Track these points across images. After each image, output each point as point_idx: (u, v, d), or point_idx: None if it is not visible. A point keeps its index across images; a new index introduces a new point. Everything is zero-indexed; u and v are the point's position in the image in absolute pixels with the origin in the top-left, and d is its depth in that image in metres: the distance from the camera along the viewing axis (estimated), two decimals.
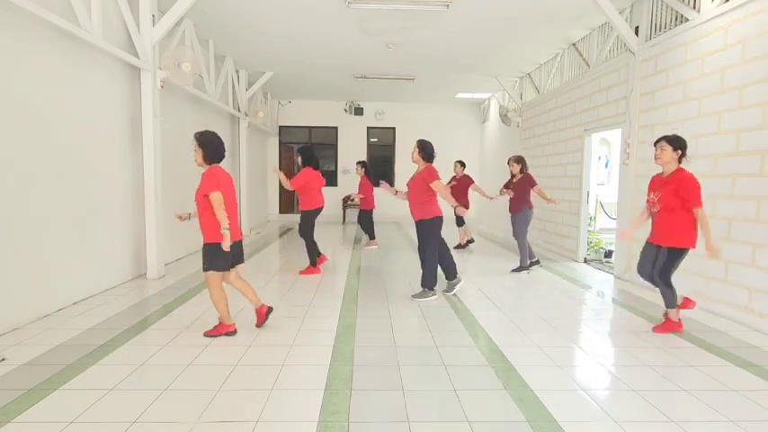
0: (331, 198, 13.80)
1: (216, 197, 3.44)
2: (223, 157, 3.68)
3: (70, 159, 4.49)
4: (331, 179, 13.99)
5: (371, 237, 8.58)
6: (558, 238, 8.28)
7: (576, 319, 4.44)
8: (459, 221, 8.44)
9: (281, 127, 13.66)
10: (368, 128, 13.95)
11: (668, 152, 3.77)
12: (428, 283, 4.99)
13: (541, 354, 3.50)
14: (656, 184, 3.93)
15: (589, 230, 7.86)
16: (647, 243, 4.05)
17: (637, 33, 5.93)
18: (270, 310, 3.96)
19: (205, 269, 3.60)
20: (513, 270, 6.48)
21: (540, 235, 9.04)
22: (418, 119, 13.84)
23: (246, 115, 9.97)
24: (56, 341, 3.54)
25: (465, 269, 6.70)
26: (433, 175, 4.79)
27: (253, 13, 6.47)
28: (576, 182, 7.63)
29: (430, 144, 4.94)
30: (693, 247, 3.78)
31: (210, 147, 3.58)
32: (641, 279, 4.19)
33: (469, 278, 6.11)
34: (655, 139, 3.95)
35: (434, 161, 4.97)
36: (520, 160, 6.52)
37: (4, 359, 3.17)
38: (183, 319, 4.16)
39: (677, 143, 3.77)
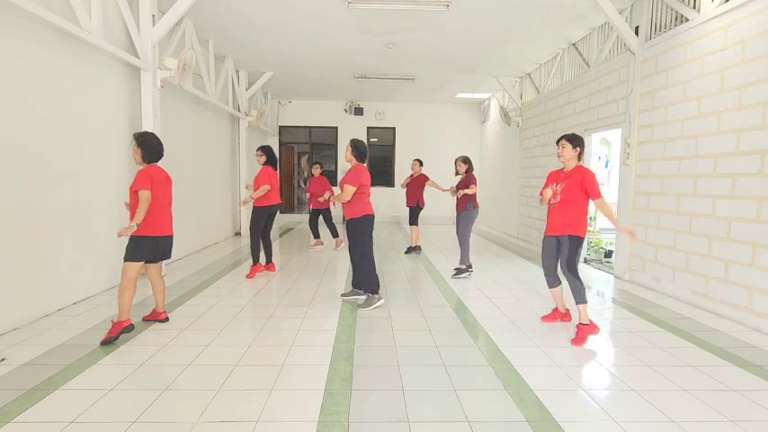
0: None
1: (144, 195, 3.64)
2: (161, 156, 3.91)
3: (70, 159, 4.49)
4: (331, 179, 13.96)
5: (316, 236, 8.58)
6: None
7: (577, 319, 4.43)
8: (413, 220, 7.99)
9: (281, 127, 13.66)
10: (368, 128, 13.94)
11: (568, 149, 4.02)
12: (370, 286, 4.70)
13: (541, 354, 3.50)
14: (558, 177, 4.11)
15: (589, 230, 7.86)
16: (546, 238, 4.13)
17: (637, 33, 5.93)
18: (165, 319, 4.03)
19: (125, 259, 3.69)
20: (454, 275, 6.15)
21: (540, 235, 9.04)
22: (418, 119, 13.85)
23: (247, 115, 9.97)
24: (56, 341, 3.54)
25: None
26: (346, 178, 4.62)
27: (253, 13, 6.47)
28: None
29: (362, 144, 4.81)
30: (584, 236, 4.01)
31: (148, 146, 3.82)
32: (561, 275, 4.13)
33: (469, 278, 6.12)
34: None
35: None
36: (467, 161, 6.45)
37: (4, 359, 3.18)
38: (182, 318, 4.16)
39: (575, 141, 4.04)
